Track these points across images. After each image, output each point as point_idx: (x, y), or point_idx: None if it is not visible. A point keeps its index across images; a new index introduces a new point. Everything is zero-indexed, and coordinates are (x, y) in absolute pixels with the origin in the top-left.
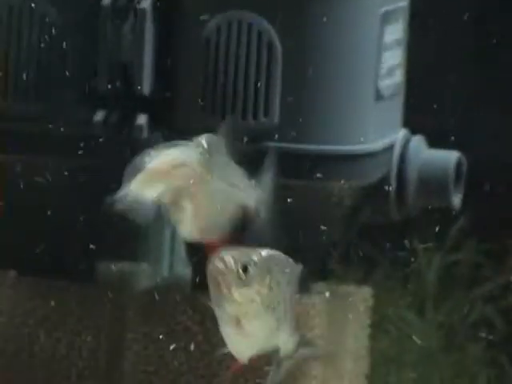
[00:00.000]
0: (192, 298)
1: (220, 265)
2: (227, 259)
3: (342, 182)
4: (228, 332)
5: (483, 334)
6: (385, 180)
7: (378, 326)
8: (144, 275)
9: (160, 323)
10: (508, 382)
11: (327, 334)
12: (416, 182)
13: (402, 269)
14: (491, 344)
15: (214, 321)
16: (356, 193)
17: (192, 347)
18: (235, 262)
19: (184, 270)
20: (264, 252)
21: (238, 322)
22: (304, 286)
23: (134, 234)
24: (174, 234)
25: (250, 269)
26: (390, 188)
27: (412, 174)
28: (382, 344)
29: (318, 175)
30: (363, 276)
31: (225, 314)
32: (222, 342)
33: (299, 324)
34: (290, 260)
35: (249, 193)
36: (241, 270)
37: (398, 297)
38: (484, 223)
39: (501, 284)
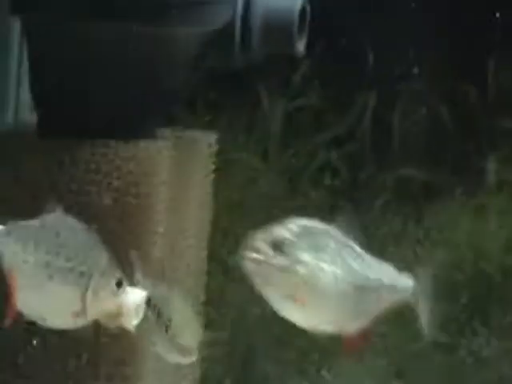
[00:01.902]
0: (37, 145)
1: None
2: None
3: (186, 27)
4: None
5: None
6: (229, 26)
7: (223, 171)
8: None
9: (5, 169)
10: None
11: (172, 179)
12: (260, 27)
13: (247, 115)
14: (334, 190)
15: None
16: (201, 39)
17: None
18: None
19: (29, 117)
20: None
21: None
22: (149, 131)
23: None
24: (19, 78)
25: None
26: (235, 34)
27: (256, 20)
28: (227, 190)
29: (164, 21)
30: (208, 122)
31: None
32: None
33: (145, 169)
34: None
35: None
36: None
37: (243, 143)
38: (328, 70)
39: (344, 130)
